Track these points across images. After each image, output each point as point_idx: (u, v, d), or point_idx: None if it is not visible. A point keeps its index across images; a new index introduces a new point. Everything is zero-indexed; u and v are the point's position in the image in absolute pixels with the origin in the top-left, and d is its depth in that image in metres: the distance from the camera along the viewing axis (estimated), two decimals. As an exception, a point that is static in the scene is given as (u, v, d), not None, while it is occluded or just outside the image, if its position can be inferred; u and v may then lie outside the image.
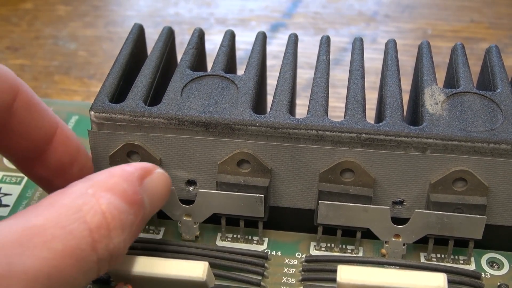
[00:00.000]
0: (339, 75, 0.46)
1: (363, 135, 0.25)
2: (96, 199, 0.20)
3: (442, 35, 0.51)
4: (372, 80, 0.45)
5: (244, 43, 0.47)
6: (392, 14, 0.53)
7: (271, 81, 0.35)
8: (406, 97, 0.32)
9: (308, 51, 0.49)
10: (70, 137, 0.26)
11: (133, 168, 0.23)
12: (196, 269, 0.23)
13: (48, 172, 0.25)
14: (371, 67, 0.46)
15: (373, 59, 0.47)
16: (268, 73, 0.35)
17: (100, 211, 0.20)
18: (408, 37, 0.51)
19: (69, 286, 0.19)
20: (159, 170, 0.24)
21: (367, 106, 0.43)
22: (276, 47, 0.50)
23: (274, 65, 0.47)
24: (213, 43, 0.47)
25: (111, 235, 0.20)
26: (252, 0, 0.56)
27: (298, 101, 0.35)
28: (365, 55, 0.47)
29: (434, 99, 0.26)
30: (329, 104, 0.42)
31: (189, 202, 0.27)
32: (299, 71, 0.47)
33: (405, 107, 0.32)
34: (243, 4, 0.55)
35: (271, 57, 0.46)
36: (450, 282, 0.25)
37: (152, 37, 0.32)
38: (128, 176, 0.22)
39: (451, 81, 0.29)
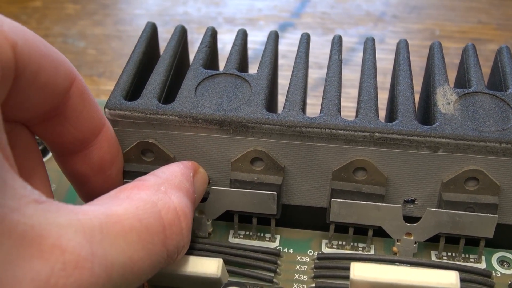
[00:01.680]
0: (348, 75, 0.46)
1: (376, 134, 0.25)
2: (169, 196, 0.21)
3: (450, 36, 0.51)
4: (380, 80, 0.45)
5: (253, 42, 0.48)
6: (400, 15, 0.54)
7: (281, 80, 0.35)
8: (415, 97, 0.33)
9: (316, 50, 0.49)
10: (114, 137, 0.26)
11: (186, 166, 0.24)
12: (211, 265, 0.24)
13: (88, 169, 0.25)
14: (379, 68, 0.45)
15: (381, 60, 0.47)
16: (279, 72, 0.35)
17: (174, 208, 0.21)
18: (415, 37, 0.51)
19: (139, 277, 0.19)
20: (202, 169, 0.26)
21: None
22: (284, 47, 0.50)
23: (282, 64, 0.47)
24: (221, 42, 0.47)
25: (182, 233, 0.21)
26: (261, 0, 0.56)
27: (307, 100, 0.35)
28: (374, 55, 0.48)
29: (446, 99, 0.27)
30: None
31: (202, 199, 0.27)
32: (309, 70, 0.47)
33: (416, 107, 0.32)
34: (251, 3, 0.56)
35: (279, 56, 0.47)
36: (461, 280, 0.25)
37: (161, 36, 0.33)
38: (187, 175, 0.23)
39: (462, 81, 0.29)
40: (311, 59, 0.49)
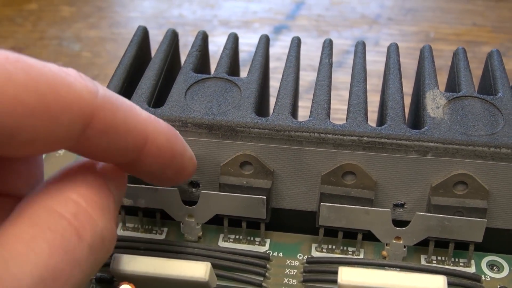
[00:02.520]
0: (342, 78, 0.46)
1: (365, 138, 0.25)
2: (62, 193, 0.20)
3: (445, 38, 0.51)
4: (374, 83, 0.45)
5: (247, 45, 0.48)
6: (395, 17, 0.54)
7: (274, 83, 0.35)
8: (408, 100, 0.33)
9: (311, 53, 0.49)
10: (162, 148, 0.22)
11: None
12: (199, 269, 0.24)
13: (139, 176, 0.23)
14: (374, 70, 0.46)
15: (376, 62, 0.47)
16: (271, 75, 0.35)
17: (71, 200, 0.19)
18: (410, 40, 0.51)
19: (67, 282, 0.18)
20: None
21: (369, 109, 0.43)
22: (279, 49, 0.50)
23: (277, 67, 0.47)
24: (216, 45, 0.48)
25: (93, 217, 0.19)
26: (256, 2, 0.56)
27: (300, 103, 0.35)
28: (368, 57, 0.47)
29: (435, 103, 0.27)
30: (332, 106, 0.42)
31: (192, 203, 0.27)
32: (302, 73, 0.47)
33: (407, 110, 0.33)
34: (246, 6, 0.56)
35: (274, 59, 0.47)
36: (450, 284, 0.25)
37: (155, 39, 0.33)
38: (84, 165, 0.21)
39: (452, 85, 0.29)
40: (305, 61, 0.49)
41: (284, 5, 0.56)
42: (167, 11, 0.55)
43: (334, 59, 0.49)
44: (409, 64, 0.47)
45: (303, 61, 0.48)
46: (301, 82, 0.45)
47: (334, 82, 0.47)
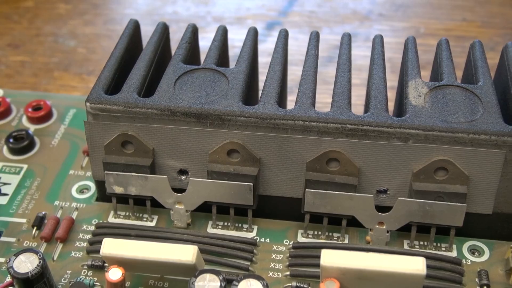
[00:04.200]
0: (333, 72, 0.47)
1: (348, 125, 0.26)
2: None
3: (435, 33, 0.52)
4: (365, 77, 0.45)
5: (240, 40, 0.48)
6: (386, 13, 0.54)
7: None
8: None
9: (303, 48, 0.49)
10: None
11: None
12: (186, 252, 0.24)
13: None
14: (365, 65, 0.46)
15: (367, 57, 0.48)
16: (263, 70, 0.36)
17: None
18: (401, 35, 0.51)
19: None
20: None
21: (359, 102, 0.43)
22: (271, 45, 0.50)
23: (269, 62, 0.47)
24: (209, 41, 0.48)
25: None
26: (249, -1, 0.57)
27: (292, 97, 0.36)
28: (359, 52, 0.48)
29: (417, 92, 0.27)
30: (323, 100, 0.43)
31: (181, 190, 0.28)
32: (294, 68, 0.48)
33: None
34: (240, 2, 0.56)
35: (266, 54, 0.47)
36: (432, 268, 0.26)
37: (150, 35, 0.33)
38: None
39: (435, 75, 0.30)
40: (297, 56, 0.50)
41: (277, 2, 0.56)
42: (162, 8, 0.56)
43: (325, 54, 0.49)
44: (399, 59, 0.48)
45: (295, 56, 0.49)
46: (293, 77, 0.46)
47: (325, 77, 0.48)
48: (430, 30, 0.52)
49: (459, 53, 0.48)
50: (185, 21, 0.54)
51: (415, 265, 0.23)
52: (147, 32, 0.34)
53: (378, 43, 0.31)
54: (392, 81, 0.42)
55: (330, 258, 0.24)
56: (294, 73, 0.46)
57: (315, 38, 0.31)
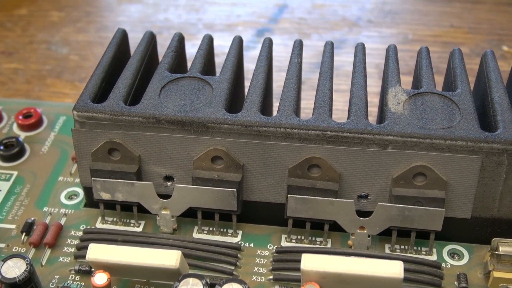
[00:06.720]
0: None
1: (328, 132, 0.27)
2: None
3: (423, 39, 0.52)
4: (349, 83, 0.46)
5: (230, 47, 0.49)
6: (375, 20, 0.55)
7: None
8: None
9: (292, 55, 0.50)
10: None
11: None
12: (170, 257, 0.25)
13: None
14: (351, 71, 0.47)
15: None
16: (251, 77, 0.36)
17: None
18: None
19: None
20: None
21: (344, 108, 0.44)
22: (261, 52, 0.51)
23: (258, 68, 0.48)
24: (199, 48, 0.49)
25: None
26: (240, 6, 0.57)
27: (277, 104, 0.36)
28: (348, 59, 0.49)
29: (396, 99, 0.28)
30: (310, 106, 0.43)
31: (167, 196, 0.29)
32: (283, 74, 0.48)
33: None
34: (230, 10, 0.57)
35: (255, 61, 0.48)
36: (411, 271, 0.27)
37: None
38: None
39: (416, 83, 0.31)
40: (286, 63, 0.50)
41: (267, 9, 0.57)
42: (153, 15, 0.57)
43: (314, 60, 0.50)
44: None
45: (283, 63, 0.50)
46: (280, 83, 0.47)
47: (312, 83, 0.49)
48: (418, 36, 0.53)
49: (446, 59, 0.48)
50: (176, 28, 0.55)
51: (393, 269, 0.24)
52: (138, 40, 0.34)
53: (359, 51, 0.31)
54: (379, 87, 0.43)
55: (310, 262, 0.24)
56: (283, 79, 0.46)
57: (298, 47, 0.32)
